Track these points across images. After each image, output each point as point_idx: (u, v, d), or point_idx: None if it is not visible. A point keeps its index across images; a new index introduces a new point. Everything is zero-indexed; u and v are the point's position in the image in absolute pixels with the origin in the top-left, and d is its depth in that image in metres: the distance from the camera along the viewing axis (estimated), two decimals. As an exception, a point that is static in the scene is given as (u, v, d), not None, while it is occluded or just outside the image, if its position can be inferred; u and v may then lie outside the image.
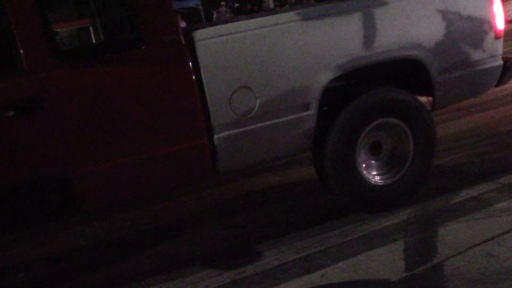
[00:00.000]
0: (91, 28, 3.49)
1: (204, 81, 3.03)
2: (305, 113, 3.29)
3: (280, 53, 3.17)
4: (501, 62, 3.83)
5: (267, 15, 3.22)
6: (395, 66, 3.54)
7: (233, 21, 3.14)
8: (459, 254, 2.87)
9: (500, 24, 3.73)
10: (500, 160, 4.21)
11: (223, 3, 18.48)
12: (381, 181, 3.58)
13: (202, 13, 20.25)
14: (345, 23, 3.32)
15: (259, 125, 3.19)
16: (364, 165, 3.54)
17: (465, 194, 3.67)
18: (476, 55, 3.70)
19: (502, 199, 3.47)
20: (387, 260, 2.95)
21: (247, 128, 3.16)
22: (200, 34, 3.03)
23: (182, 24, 17.36)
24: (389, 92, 3.48)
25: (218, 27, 3.11)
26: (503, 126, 5.14)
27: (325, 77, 3.27)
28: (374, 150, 3.61)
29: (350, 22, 3.33)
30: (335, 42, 3.29)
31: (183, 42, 3.01)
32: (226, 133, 3.13)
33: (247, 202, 4.29)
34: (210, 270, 3.20)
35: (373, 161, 3.61)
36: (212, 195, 4.50)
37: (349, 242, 3.26)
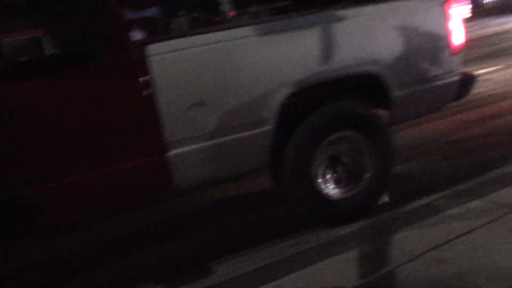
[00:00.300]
0: (40, 41, 3.36)
1: (158, 96, 2.97)
2: (262, 129, 3.25)
3: (237, 69, 3.14)
4: (457, 77, 3.88)
5: (224, 29, 3.17)
6: (353, 81, 3.53)
7: (189, 35, 3.07)
8: (411, 261, 2.90)
9: (456, 40, 3.77)
10: (450, 168, 4.36)
11: (179, 13, 18.30)
12: (340, 194, 3.58)
13: (160, 23, 20.10)
14: (303, 38, 3.30)
15: (215, 141, 3.14)
16: (322, 179, 3.53)
17: (418, 201, 3.75)
18: (433, 70, 3.73)
19: (452, 205, 3.55)
20: (342, 269, 2.97)
21: (203, 144, 3.11)
22: (153, 49, 2.96)
23: (140, 35, 17.23)
24: (346, 106, 3.48)
25: (173, 41, 3.04)
26: (456, 134, 5.30)
27: (282, 93, 3.25)
28: (333, 164, 3.61)
29: (308, 37, 3.31)
30: (293, 58, 3.26)
31: (136, 57, 2.94)
32: (182, 149, 3.07)
33: (203, 214, 4.24)
34: (165, 286, 3.16)
35: (331, 175, 3.61)
36: (168, 208, 4.44)
37: (305, 252, 3.29)
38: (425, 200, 3.74)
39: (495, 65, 8.55)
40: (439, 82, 3.78)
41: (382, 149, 3.59)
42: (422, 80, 3.71)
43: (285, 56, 3.24)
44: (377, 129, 3.53)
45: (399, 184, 3.96)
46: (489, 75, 7.77)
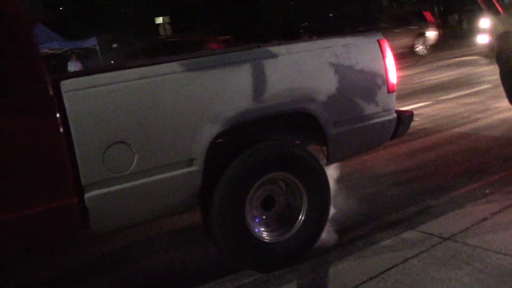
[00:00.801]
0: None
1: (74, 135, 2.76)
2: (189, 169, 3.08)
3: (161, 106, 2.97)
4: (394, 115, 3.83)
5: (148, 65, 3.02)
6: (287, 119, 3.43)
7: (107, 71, 2.91)
8: None
9: (393, 78, 3.73)
10: (385, 200, 4.45)
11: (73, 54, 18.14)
12: (274, 238, 3.41)
13: (99, 54, 19.80)
14: (233, 74, 3.18)
15: (137, 182, 2.94)
16: (255, 221, 3.37)
17: (354, 232, 3.81)
18: (369, 109, 3.67)
19: (387, 236, 3.66)
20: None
21: (123, 186, 2.90)
22: (68, 85, 2.77)
23: (78, 65, 16.92)
24: (278, 146, 3.35)
25: (90, 77, 2.87)
26: (390, 166, 5.35)
27: (211, 131, 3.10)
28: (269, 205, 3.46)
29: (238, 73, 3.20)
30: (222, 94, 3.13)
31: (50, 93, 2.74)
32: (99, 191, 2.85)
33: (126, 252, 4.02)
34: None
35: (265, 217, 3.45)
36: (88, 247, 4.16)
37: (243, 286, 3.21)
38: (360, 232, 3.82)
39: (425, 101, 8.85)
40: (376, 120, 3.72)
41: (316, 191, 3.45)
42: (358, 118, 3.64)
43: (213, 93, 3.10)
44: (309, 170, 3.40)
45: (336, 215, 3.87)
46: (420, 110, 7.98)
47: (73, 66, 16.61)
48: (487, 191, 4.24)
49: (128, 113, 2.89)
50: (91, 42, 20.84)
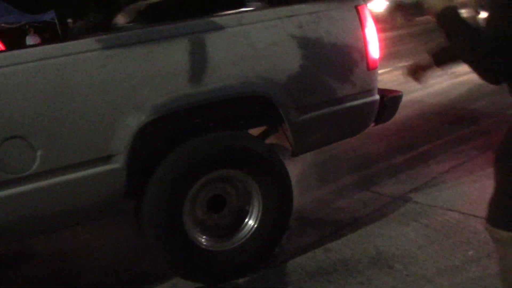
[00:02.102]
0: None
1: (-44, 130, 2.28)
2: (108, 167, 2.56)
3: (70, 92, 2.43)
4: (376, 97, 3.19)
5: (55, 43, 2.48)
6: (237, 105, 2.84)
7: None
8: (301, 253, 3.06)
9: (374, 53, 3.07)
10: (340, 164, 4.41)
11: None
12: (222, 245, 2.89)
13: (58, 27, 18.90)
14: (164, 52, 2.61)
15: (41, 184, 2.44)
16: (198, 228, 2.85)
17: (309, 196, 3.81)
18: (343, 90, 3.04)
19: (340, 198, 3.75)
20: None
21: (23, 188, 2.41)
22: None
23: (36, 39, 16.31)
24: (221, 139, 2.77)
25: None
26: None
27: (135, 122, 2.55)
28: (218, 206, 2.93)
29: (171, 51, 2.62)
30: (150, 77, 2.57)
31: None
32: (-8, 195, 2.38)
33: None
34: None
35: (213, 221, 2.92)
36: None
37: None
38: (315, 195, 3.84)
39: (384, 68, 7.96)
40: (352, 104, 3.08)
41: (276, 191, 2.90)
42: (329, 102, 3.02)
43: (137, 75, 2.54)
44: (264, 167, 2.84)
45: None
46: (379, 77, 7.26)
47: (31, 40, 16.16)
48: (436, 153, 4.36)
49: (26, 101, 2.36)
50: (49, 15, 19.88)
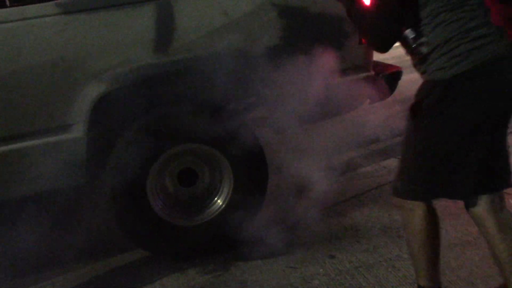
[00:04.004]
0: None
1: None
2: (67, 136, 2.52)
3: (26, 59, 2.38)
4: (370, 73, 2.91)
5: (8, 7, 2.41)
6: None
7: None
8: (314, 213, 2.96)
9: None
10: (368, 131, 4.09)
11: None
12: (190, 220, 2.80)
13: None
14: (126, 18, 2.48)
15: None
16: (165, 201, 2.77)
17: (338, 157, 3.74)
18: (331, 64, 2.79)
19: (367, 163, 3.74)
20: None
21: (-21, 154, 2.43)
22: None
23: None
24: (187, 111, 2.64)
25: None
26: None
27: (95, 91, 2.47)
28: (189, 180, 2.83)
29: (134, 17, 2.48)
30: (109, 45, 2.46)
31: None
32: None
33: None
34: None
35: (183, 195, 2.83)
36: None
37: None
38: (344, 157, 3.81)
39: None
40: (341, 79, 2.83)
41: (246, 170, 2.75)
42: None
43: (97, 42, 2.44)
44: (235, 143, 2.67)
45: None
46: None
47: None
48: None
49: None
50: None
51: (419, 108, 1.82)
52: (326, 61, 2.77)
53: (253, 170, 2.77)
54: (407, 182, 1.92)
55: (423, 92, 1.82)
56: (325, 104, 2.89)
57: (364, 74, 2.88)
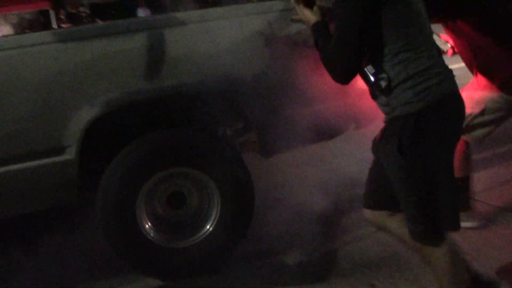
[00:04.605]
0: None
1: None
2: (60, 158, 2.61)
3: (21, 83, 2.50)
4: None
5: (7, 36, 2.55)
6: (196, 102, 2.80)
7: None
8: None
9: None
10: None
11: None
12: (178, 242, 2.86)
13: None
14: (120, 46, 2.61)
15: (-6, 170, 2.55)
16: (154, 223, 2.84)
17: None
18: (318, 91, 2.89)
19: None
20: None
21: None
22: None
23: (147, 11, 15.84)
24: (176, 135, 2.75)
25: None
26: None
27: (87, 115, 2.58)
28: (176, 203, 2.90)
29: (128, 46, 2.62)
30: (102, 71, 2.58)
31: None
32: None
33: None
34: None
35: (172, 217, 2.90)
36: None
37: None
38: None
39: None
40: (324, 105, 2.94)
41: (233, 195, 2.82)
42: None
43: (90, 69, 2.56)
44: (221, 165, 2.78)
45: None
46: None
47: (142, 13, 15.87)
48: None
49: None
50: None
51: (400, 145, 1.88)
52: (311, 86, 2.89)
53: (240, 195, 2.84)
54: (419, 224, 1.95)
55: (396, 129, 1.90)
56: (311, 128, 3.00)
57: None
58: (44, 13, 15.67)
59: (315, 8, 2.12)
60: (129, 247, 2.75)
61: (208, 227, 2.86)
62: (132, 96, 2.62)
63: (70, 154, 2.61)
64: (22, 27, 14.80)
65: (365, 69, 1.92)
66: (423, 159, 1.90)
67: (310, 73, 2.87)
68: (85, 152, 2.64)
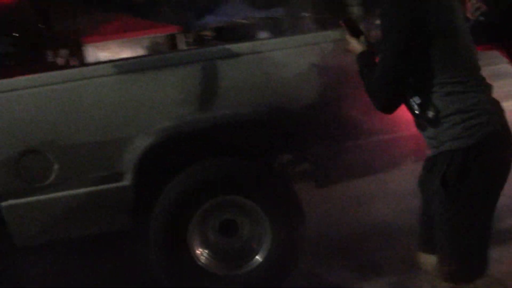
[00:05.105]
0: None
1: (-15, 141, 2.64)
2: (118, 184, 2.74)
3: (84, 113, 2.67)
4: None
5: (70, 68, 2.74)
6: (248, 131, 2.82)
7: (29, 74, 2.71)
8: None
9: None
10: None
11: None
12: (228, 270, 2.88)
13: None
14: (174, 78, 2.71)
15: (58, 194, 2.71)
16: (206, 249, 2.88)
17: None
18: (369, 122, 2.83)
19: None
20: None
21: (40, 197, 2.70)
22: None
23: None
24: (227, 164, 2.79)
25: (7, 80, 2.68)
26: None
27: (143, 143, 2.69)
28: (228, 230, 2.93)
29: (182, 77, 2.71)
30: (157, 101, 2.69)
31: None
32: (13, 201, 2.70)
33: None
34: None
35: (223, 245, 2.93)
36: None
37: None
38: None
39: None
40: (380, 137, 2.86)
41: (286, 220, 2.80)
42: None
43: (146, 99, 2.68)
44: (274, 199, 2.78)
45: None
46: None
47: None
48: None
49: (45, 119, 2.65)
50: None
51: (444, 180, 1.81)
52: (367, 117, 2.82)
53: (291, 227, 2.81)
54: (461, 264, 1.85)
55: (443, 163, 1.82)
56: (366, 160, 2.93)
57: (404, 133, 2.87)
58: (172, 37, 17.21)
59: (362, 37, 2.10)
60: (178, 271, 2.81)
61: (258, 257, 2.85)
62: (185, 126, 2.71)
63: (127, 180, 2.74)
64: (153, 50, 15.97)
65: (411, 100, 1.87)
66: (466, 197, 1.80)
67: (366, 103, 2.81)
68: (141, 179, 2.74)
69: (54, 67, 3.58)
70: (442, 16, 1.81)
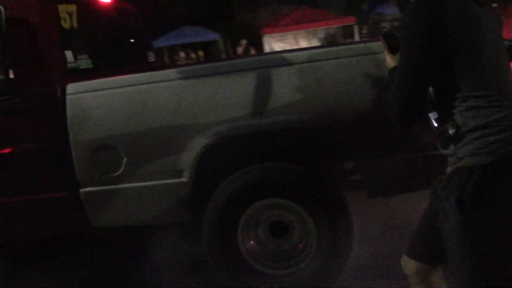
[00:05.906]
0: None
1: (70, 135, 3.04)
2: (178, 180, 2.99)
3: (150, 113, 2.95)
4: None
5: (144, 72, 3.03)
6: (297, 137, 2.92)
7: (108, 77, 3.05)
8: None
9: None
10: None
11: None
12: (274, 269, 3.03)
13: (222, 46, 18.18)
14: (229, 84, 2.89)
15: (126, 185, 3.05)
16: (254, 247, 3.05)
17: None
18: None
19: None
20: None
21: (112, 187, 3.06)
22: (71, 88, 3.04)
23: None
24: (275, 168, 2.91)
25: (90, 82, 3.06)
26: None
27: (199, 143, 2.92)
28: (279, 232, 3.06)
29: (236, 83, 2.88)
30: (214, 105, 2.89)
31: (58, 95, 3.07)
32: (90, 189, 3.08)
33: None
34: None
35: (273, 245, 3.06)
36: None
37: None
38: None
39: None
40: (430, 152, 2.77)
41: (333, 226, 2.86)
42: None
43: (204, 103, 2.89)
44: (321, 204, 2.86)
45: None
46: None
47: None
48: None
49: (117, 118, 2.98)
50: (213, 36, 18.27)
51: (460, 200, 1.74)
52: (420, 131, 2.77)
53: (337, 235, 2.87)
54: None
55: (459, 181, 1.75)
56: (417, 174, 2.88)
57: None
58: (348, 28, 17.60)
59: (398, 54, 2.08)
60: (227, 265, 3.00)
61: (304, 260, 2.95)
62: (238, 129, 2.88)
63: (185, 177, 2.98)
64: (328, 41, 16.30)
65: (429, 115, 1.83)
66: (485, 225, 1.72)
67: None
68: (198, 176, 2.98)
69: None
70: (465, 30, 1.75)
